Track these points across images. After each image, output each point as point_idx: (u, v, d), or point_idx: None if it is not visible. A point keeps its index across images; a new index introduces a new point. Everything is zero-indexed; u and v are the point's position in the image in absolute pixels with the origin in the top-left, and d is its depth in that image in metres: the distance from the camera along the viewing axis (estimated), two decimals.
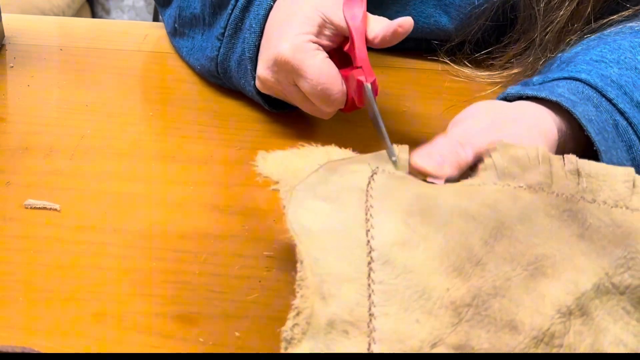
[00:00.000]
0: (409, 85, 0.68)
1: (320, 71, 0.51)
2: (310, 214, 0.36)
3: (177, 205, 0.49)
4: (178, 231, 0.47)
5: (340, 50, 0.54)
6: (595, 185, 0.39)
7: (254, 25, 0.56)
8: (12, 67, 0.65)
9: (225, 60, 0.60)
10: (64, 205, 0.48)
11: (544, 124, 0.46)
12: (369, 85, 0.49)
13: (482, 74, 0.68)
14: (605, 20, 0.59)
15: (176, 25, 0.67)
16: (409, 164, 0.41)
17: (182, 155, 0.55)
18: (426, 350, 0.32)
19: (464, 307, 0.33)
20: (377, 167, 0.39)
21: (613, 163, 0.46)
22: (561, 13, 0.60)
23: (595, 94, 0.49)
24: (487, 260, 0.35)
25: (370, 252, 0.34)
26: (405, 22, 0.51)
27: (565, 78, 0.51)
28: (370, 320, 0.33)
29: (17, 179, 0.50)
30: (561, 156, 0.40)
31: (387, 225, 0.35)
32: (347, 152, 0.41)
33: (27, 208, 0.48)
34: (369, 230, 0.35)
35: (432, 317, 0.33)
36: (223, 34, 0.59)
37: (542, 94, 0.48)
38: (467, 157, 0.42)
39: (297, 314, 0.33)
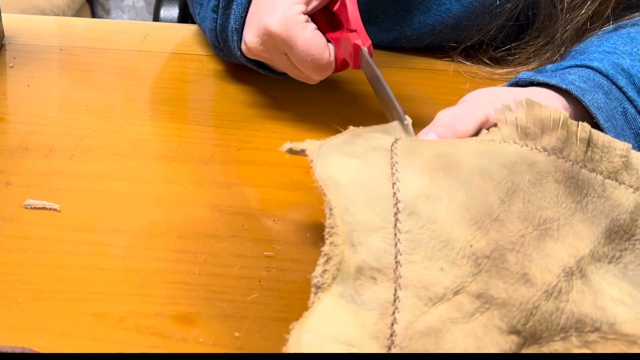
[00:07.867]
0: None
1: (311, 43, 0.52)
2: (338, 168, 0.38)
3: (177, 205, 0.49)
4: (178, 231, 0.47)
5: (325, 10, 0.55)
6: (597, 156, 0.40)
7: None
8: (12, 67, 0.65)
9: (223, 31, 0.61)
10: (64, 205, 0.48)
11: None
12: (366, 50, 0.51)
13: (500, 71, 0.69)
14: (626, 18, 0.60)
15: None
16: None
17: (182, 155, 0.55)
18: (449, 297, 0.34)
19: (484, 258, 0.35)
20: (399, 137, 0.41)
21: None
22: (582, 12, 0.61)
23: (606, 82, 0.50)
24: (504, 217, 0.37)
25: (396, 203, 0.36)
26: None
27: (577, 66, 0.52)
28: (397, 267, 0.34)
29: (17, 179, 0.50)
30: (577, 123, 0.41)
31: (412, 179, 0.37)
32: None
33: (27, 208, 0.48)
34: (394, 184, 0.37)
35: (455, 267, 0.35)
36: (217, 5, 0.60)
37: (553, 81, 0.49)
38: (466, 128, 0.42)
39: (327, 261, 0.35)
